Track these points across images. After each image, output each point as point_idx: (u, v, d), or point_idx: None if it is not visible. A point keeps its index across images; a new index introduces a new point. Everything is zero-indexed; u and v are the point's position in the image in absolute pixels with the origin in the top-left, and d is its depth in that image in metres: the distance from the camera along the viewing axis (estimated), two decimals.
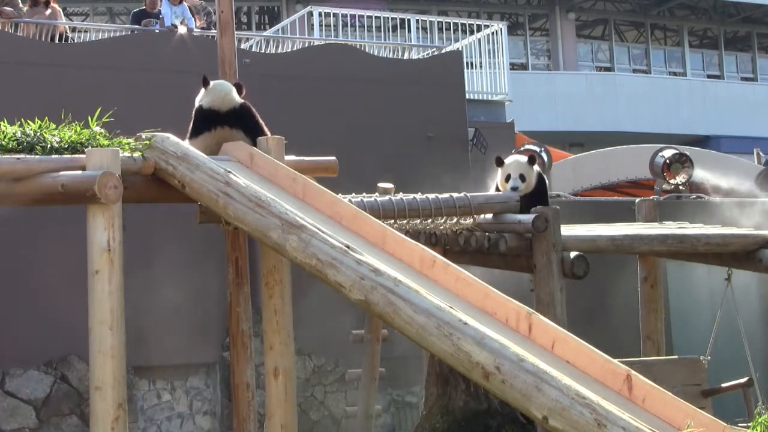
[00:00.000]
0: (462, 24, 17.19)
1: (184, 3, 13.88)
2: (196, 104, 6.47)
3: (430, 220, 7.29)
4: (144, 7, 14.21)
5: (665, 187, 14.55)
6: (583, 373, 5.00)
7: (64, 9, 15.08)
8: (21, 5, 13.19)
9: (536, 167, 7.90)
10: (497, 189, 7.91)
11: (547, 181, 8.30)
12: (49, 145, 5.67)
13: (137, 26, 13.96)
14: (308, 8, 16.43)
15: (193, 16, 14.05)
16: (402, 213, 7.08)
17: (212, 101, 6.41)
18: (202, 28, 14.23)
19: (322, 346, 12.64)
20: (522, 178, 7.68)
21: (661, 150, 14.85)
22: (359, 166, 11.02)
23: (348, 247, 5.10)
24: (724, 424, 4.89)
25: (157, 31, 13.65)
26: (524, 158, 7.86)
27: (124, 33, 14.20)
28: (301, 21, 16.75)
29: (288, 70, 13.58)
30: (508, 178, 7.72)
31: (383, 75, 14.28)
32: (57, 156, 5.61)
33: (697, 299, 12.79)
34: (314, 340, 12.33)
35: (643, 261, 9.10)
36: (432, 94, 14.37)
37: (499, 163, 7.87)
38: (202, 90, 6.50)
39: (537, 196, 7.71)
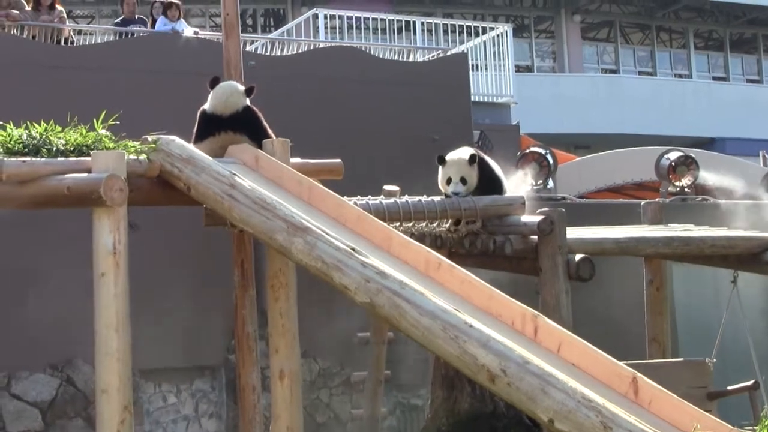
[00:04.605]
0: (467, 26, 17.18)
1: (182, 20, 13.87)
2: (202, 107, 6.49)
3: (435, 223, 7.28)
4: (124, 15, 14.23)
5: (671, 189, 14.52)
6: (589, 375, 4.99)
7: (69, 12, 15.09)
8: (27, 8, 13.21)
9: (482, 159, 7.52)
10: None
11: (496, 171, 7.71)
12: (54, 148, 5.68)
13: (142, 29, 13.97)
14: (313, 10, 16.44)
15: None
16: (407, 215, 7.06)
17: (215, 105, 6.41)
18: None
19: (327, 348, 12.61)
20: (463, 181, 7.36)
21: (666, 152, 14.83)
22: (364, 168, 11.01)
23: (353, 249, 5.10)
24: (730, 426, 4.88)
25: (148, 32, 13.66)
26: (465, 157, 7.44)
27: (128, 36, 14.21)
28: (306, 23, 16.77)
29: (293, 72, 13.57)
30: (449, 181, 7.40)
31: (388, 77, 14.26)
32: (62, 159, 5.61)
33: (703, 302, 12.75)
34: (320, 343, 12.31)
35: (648, 263, 9.08)
36: (437, 96, 14.35)
37: (441, 161, 7.49)
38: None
39: (483, 191, 7.40)
